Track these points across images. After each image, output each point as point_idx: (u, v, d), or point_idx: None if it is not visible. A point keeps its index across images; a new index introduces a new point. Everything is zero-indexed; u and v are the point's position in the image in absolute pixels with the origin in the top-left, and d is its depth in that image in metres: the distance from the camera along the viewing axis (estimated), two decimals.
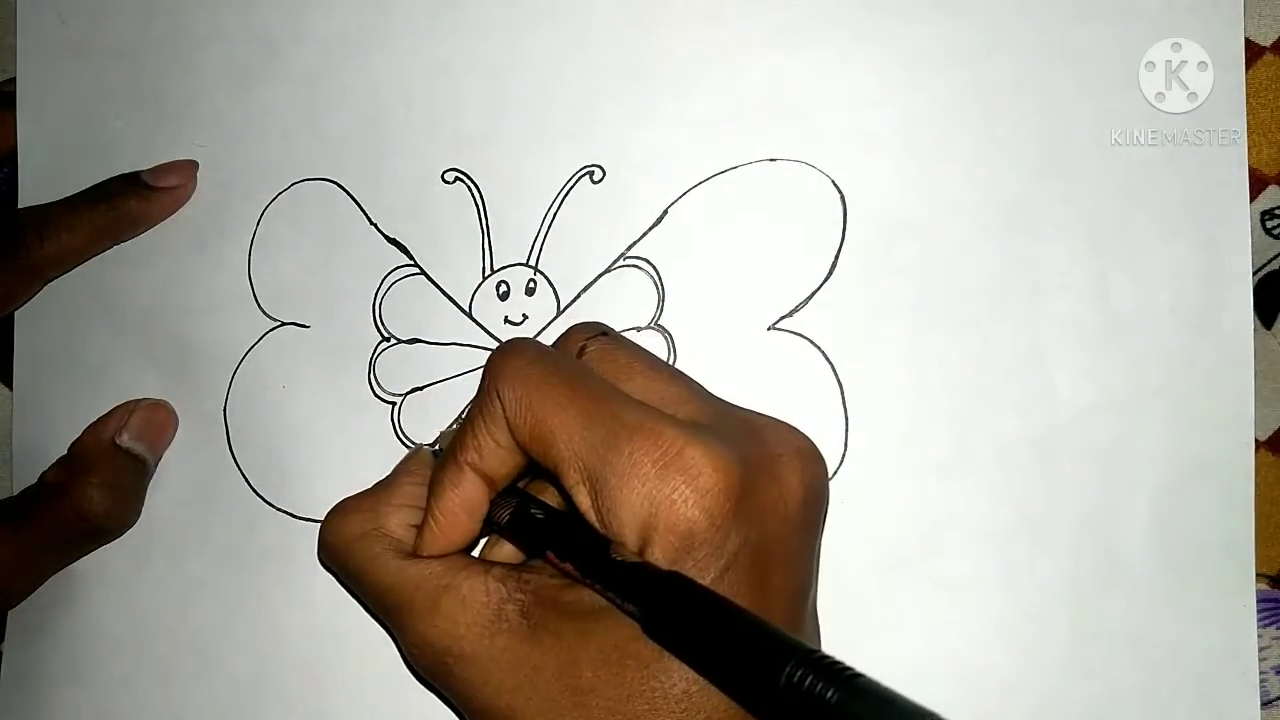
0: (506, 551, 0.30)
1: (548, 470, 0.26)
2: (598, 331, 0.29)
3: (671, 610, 0.23)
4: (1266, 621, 0.32)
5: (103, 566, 0.38)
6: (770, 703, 0.21)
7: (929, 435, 0.33)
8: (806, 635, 0.27)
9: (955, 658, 0.32)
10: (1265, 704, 0.32)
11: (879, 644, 0.33)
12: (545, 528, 0.27)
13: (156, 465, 0.38)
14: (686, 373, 0.29)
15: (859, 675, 0.20)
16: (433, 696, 0.33)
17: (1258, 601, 0.32)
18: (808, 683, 0.20)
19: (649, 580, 0.24)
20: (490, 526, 0.28)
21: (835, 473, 0.33)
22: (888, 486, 0.33)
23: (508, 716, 0.25)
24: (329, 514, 0.29)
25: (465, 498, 0.27)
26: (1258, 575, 0.32)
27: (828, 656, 0.21)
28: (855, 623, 0.33)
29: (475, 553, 0.31)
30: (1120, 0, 0.33)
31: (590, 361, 0.28)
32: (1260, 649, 0.32)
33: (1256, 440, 0.32)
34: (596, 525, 0.25)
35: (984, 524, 0.32)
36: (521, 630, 0.25)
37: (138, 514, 0.37)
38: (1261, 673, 0.32)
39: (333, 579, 0.34)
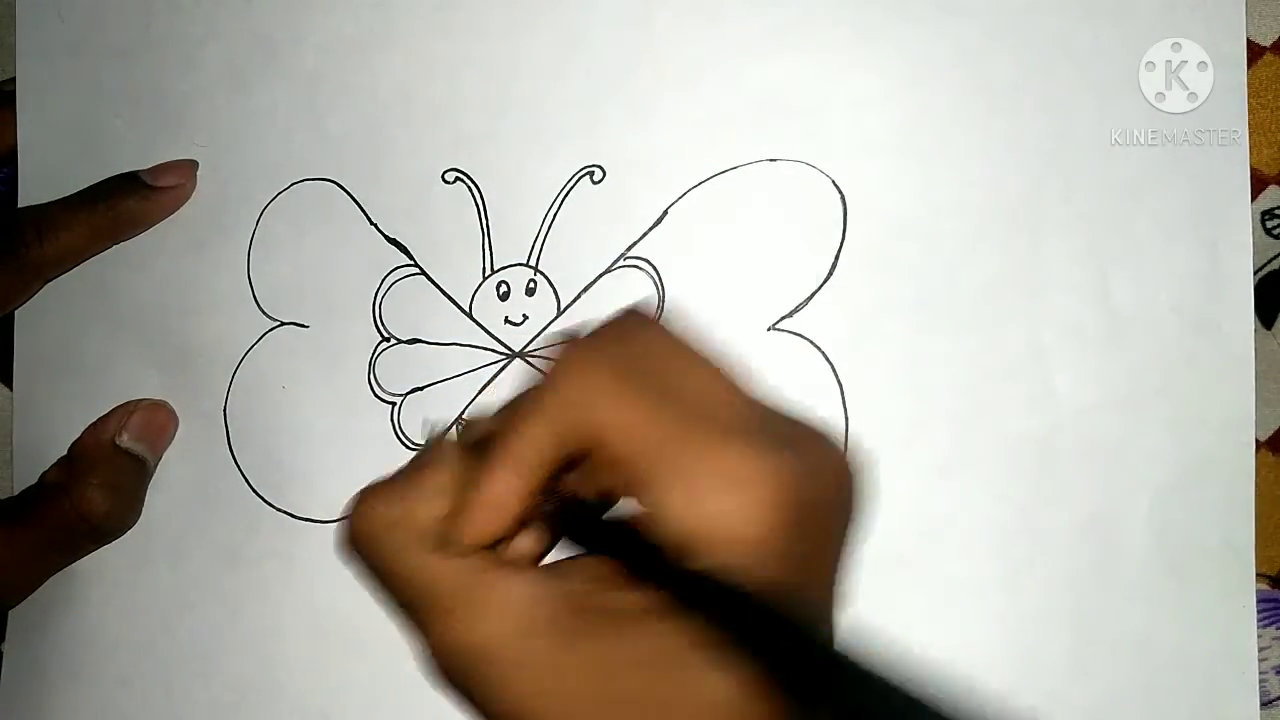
0: (525, 548, 0.29)
1: (597, 465, 0.26)
2: (652, 314, 0.28)
3: (738, 619, 0.23)
4: (1266, 621, 0.32)
5: (103, 566, 0.38)
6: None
7: (929, 435, 0.33)
8: (835, 626, 0.27)
9: (954, 657, 0.32)
10: (1265, 704, 0.32)
11: (878, 644, 0.33)
12: (600, 525, 0.26)
13: (156, 465, 0.38)
14: (728, 366, 0.28)
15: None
16: (432, 695, 0.33)
17: (1258, 601, 0.32)
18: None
19: (718, 589, 0.23)
20: (537, 519, 0.27)
21: None
22: (888, 486, 0.33)
23: None
24: (356, 500, 0.28)
25: (509, 490, 0.26)
26: (1258, 575, 0.32)
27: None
28: (854, 622, 0.33)
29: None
30: (1120, 0, 0.33)
31: (651, 347, 0.27)
32: (1260, 649, 0.32)
33: (1257, 440, 0.32)
34: (652, 525, 0.25)
35: (984, 524, 0.32)
36: (557, 632, 0.25)
37: (138, 514, 0.37)
38: (1261, 673, 0.32)
39: (329, 580, 0.34)
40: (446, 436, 0.29)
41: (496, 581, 0.25)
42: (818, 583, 0.25)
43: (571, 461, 0.26)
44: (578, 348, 0.26)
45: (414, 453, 0.36)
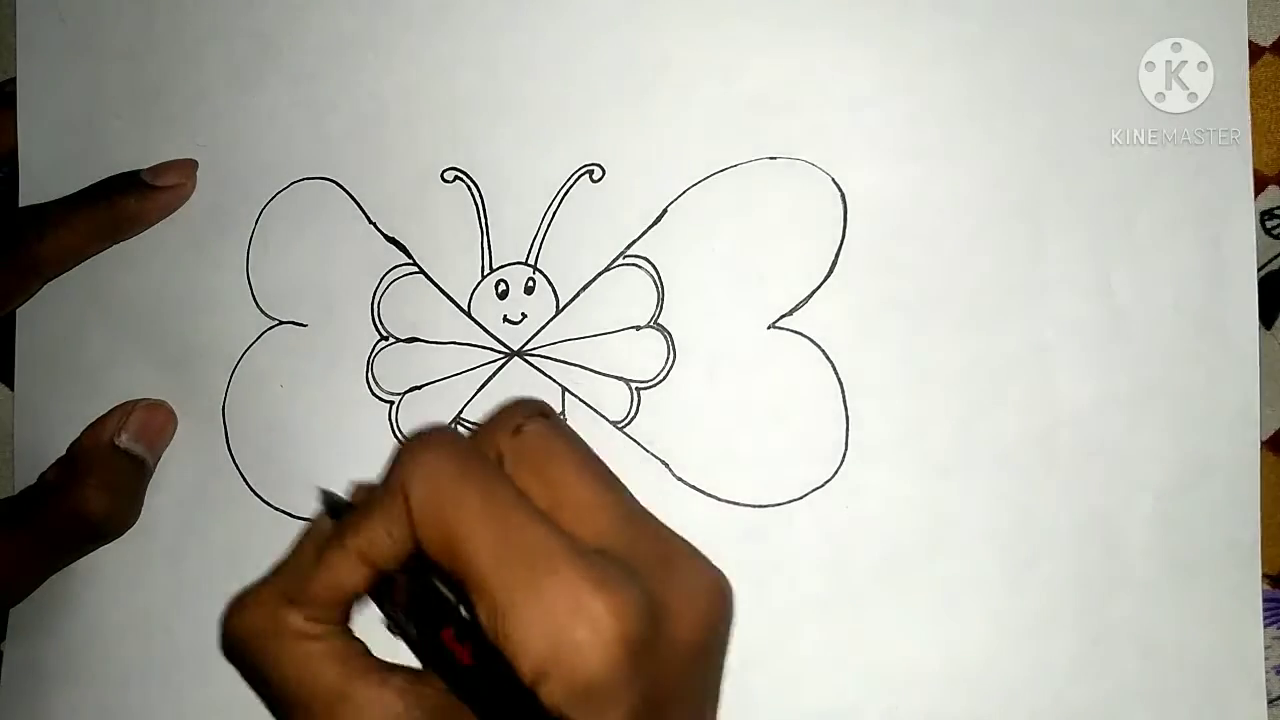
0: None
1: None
2: (536, 411, 0.28)
3: None
4: (1271, 621, 0.32)
5: (103, 566, 0.38)
6: None
7: (929, 435, 0.33)
8: None
9: (957, 658, 0.32)
10: (1270, 703, 0.32)
11: (879, 644, 0.32)
12: (437, 619, 0.26)
13: (155, 465, 0.38)
14: (610, 471, 0.27)
15: None
16: None
17: (1263, 601, 0.31)
18: None
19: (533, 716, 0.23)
20: (380, 601, 0.27)
21: (835, 473, 0.33)
22: (888, 486, 0.33)
23: None
24: (228, 608, 0.28)
25: (344, 581, 0.26)
26: (1263, 575, 0.32)
27: None
28: (855, 623, 0.33)
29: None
30: (1120, 0, 0.33)
31: (521, 442, 0.27)
32: (1265, 649, 0.31)
33: (1260, 440, 0.32)
34: (491, 639, 0.24)
35: (985, 524, 0.32)
36: None
37: (137, 515, 0.37)
38: (1266, 672, 0.32)
39: None
40: (320, 521, 0.28)
41: (359, 692, 0.25)
42: (674, 709, 0.25)
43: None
44: (434, 447, 0.26)
45: None
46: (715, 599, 0.26)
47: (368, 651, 0.27)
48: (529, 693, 0.23)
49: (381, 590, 0.26)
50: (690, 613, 0.25)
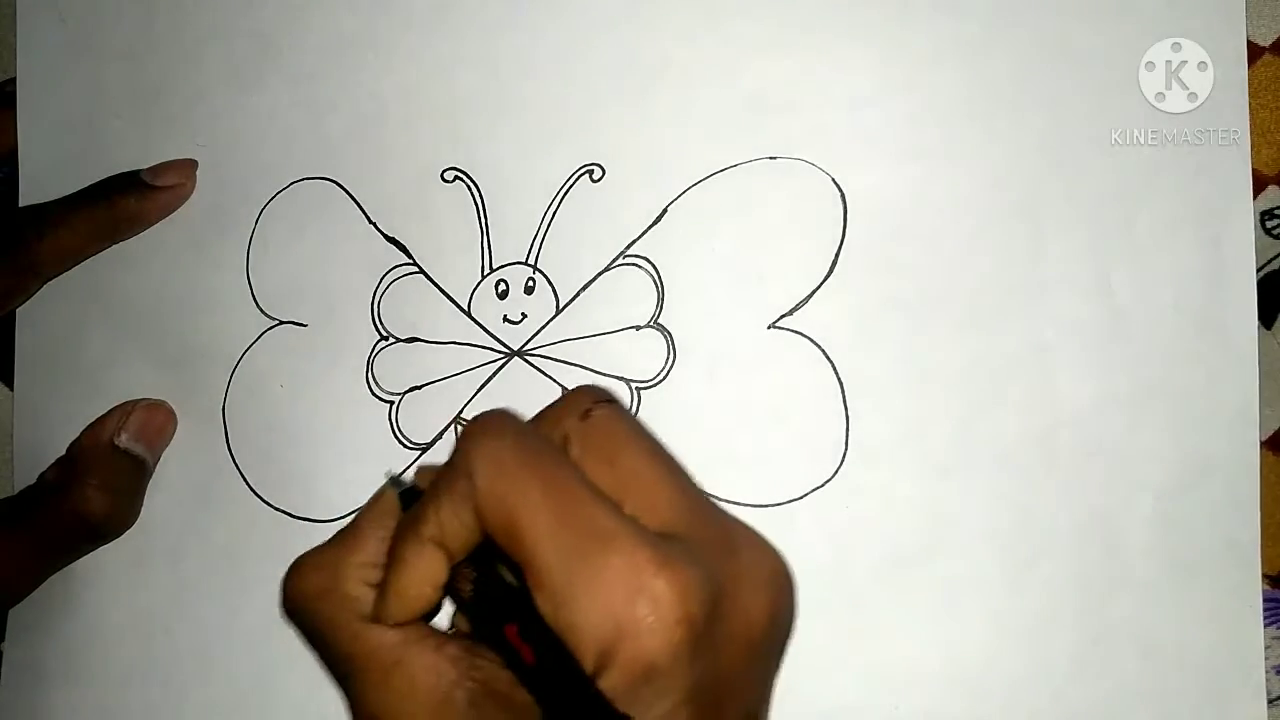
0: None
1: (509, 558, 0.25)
2: (604, 398, 0.27)
3: None
4: (1271, 621, 0.32)
5: (103, 566, 0.38)
6: None
7: (929, 435, 0.33)
8: None
9: (956, 658, 0.32)
10: (1270, 703, 0.32)
11: (879, 644, 0.32)
12: (501, 612, 0.26)
13: (155, 465, 0.38)
14: (676, 458, 0.27)
15: None
16: None
17: (1263, 601, 0.31)
18: None
19: (598, 713, 0.23)
20: (451, 596, 0.27)
21: (835, 473, 0.33)
22: (888, 486, 0.33)
23: None
24: (290, 569, 0.28)
25: (426, 572, 0.26)
26: (1262, 575, 0.32)
27: None
28: (855, 623, 0.33)
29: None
30: (1120, 0, 0.33)
31: (590, 428, 0.27)
32: (1265, 648, 0.31)
33: (1260, 440, 0.32)
34: (552, 623, 0.24)
35: (985, 524, 0.32)
36: (468, 718, 0.24)
37: (137, 514, 0.37)
38: (1266, 672, 0.32)
39: None
40: (386, 493, 0.28)
41: (415, 659, 0.25)
42: (733, 707, 0.25)
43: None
44: (498, 431, 0.26)
45: (413, 452, 0.36)
46: (779, 587, 0.26)
47: (425, 618, 0.27)
48: (589, 684, 0.23)
49: (450, 583, 0.26)
50: (753, 600, 0.25)
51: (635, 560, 0.23)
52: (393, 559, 0.26)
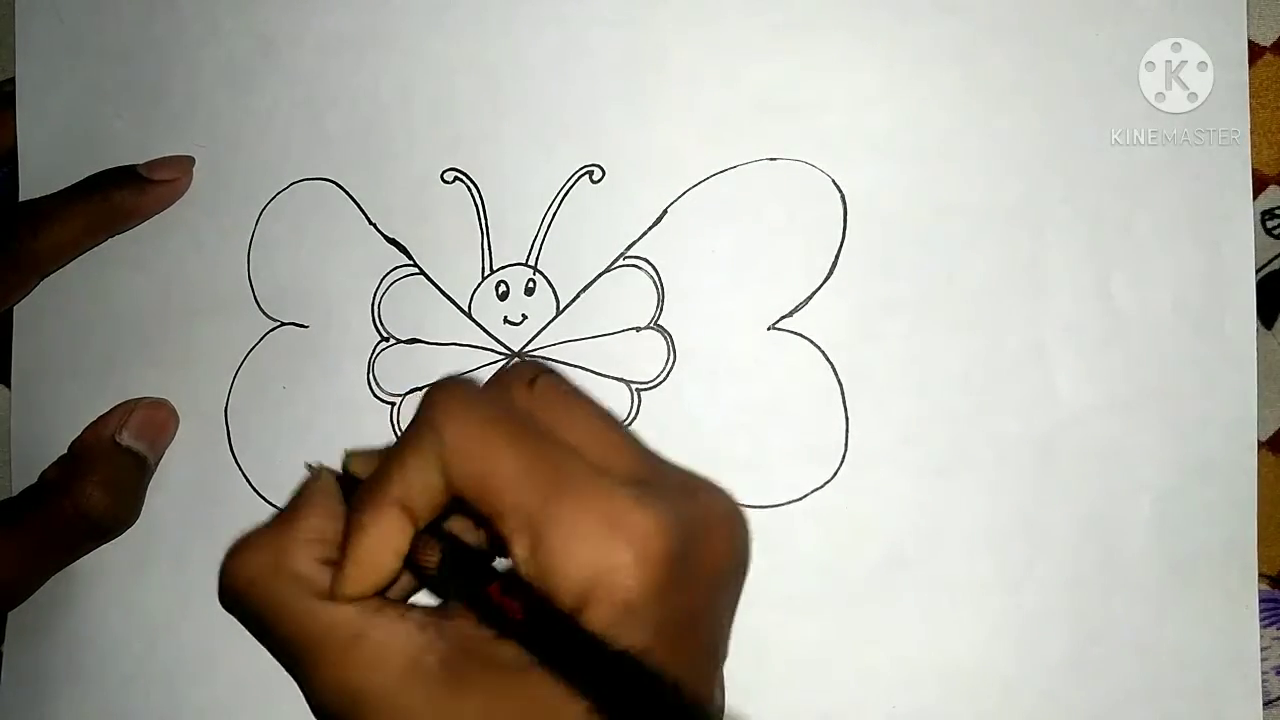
0: (409, 585, 0.28)
1: (479, 513, 0.25)
2: (543, 370, 0.28)
3: (620, 689, 0.23)
4: (1268, 622, 0.32)
5: (103, 566, 0.38)
6: None
7: (929, 435, 0.33)
8: (718, 693, 0.27)
9: (955, 658, 0.32)
10: (1266, 704, 0.32)
11: (878, 644, 0.33)
12: (478, 574, 0.26)
13: (157, 464, 0.38)
14: (623, 421, 0.28)
15: None
16: None
17: (1259, 602, 0.32)
18: None
19: (597, 654, 0.23)
20: (412, 569, 0.26)
21: (835, 473, 0.33)
22: (888, 486, 0.33)
23: None
24: (228, 552, 0.27)
25: (389, 538, 0.25)
26: (1259, 575, 0.32)
27: None
28: (855, 623, 0.33)
29: None
30: (1120, 0, 0.33)
31: (535, 399, 0.27)
32: (1261, 649, 0.32)
33: (1258, 440, 0.32)
34: (531, 575, 0.24)
35: (984, 524, 0.32)
36: (441, 680, 0.24)
37: (138, 513, 0.37)
38: (1263, 673, 0.32)
39: None
40: (323, 474, 0.28)
41: (380, 627, 0.25)
42: (698, 639, 0.25)
43: (457, 506, 0.26)
44: (461, 392, 0.26)
45: None
46: (737, 523, 0.27)
47: (380, 592, 0.26)
48: (581, 628, 0.23)
49: (410, 558, 0.26)
50: (717, 535, 0.26)
51: (612, 501, 0.24)
52: (353, 526, 0.26)
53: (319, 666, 0.25)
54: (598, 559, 0.23)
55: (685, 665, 0.24)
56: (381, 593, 0.26)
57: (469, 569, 0.26)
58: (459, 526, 0.28)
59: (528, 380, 0.27)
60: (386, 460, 0.26)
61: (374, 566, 0.25)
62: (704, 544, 0.25)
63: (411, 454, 0.25)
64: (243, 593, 0.27)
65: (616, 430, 0.27)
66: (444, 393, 0.26)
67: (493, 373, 0.36)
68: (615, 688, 0.23)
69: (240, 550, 0.27)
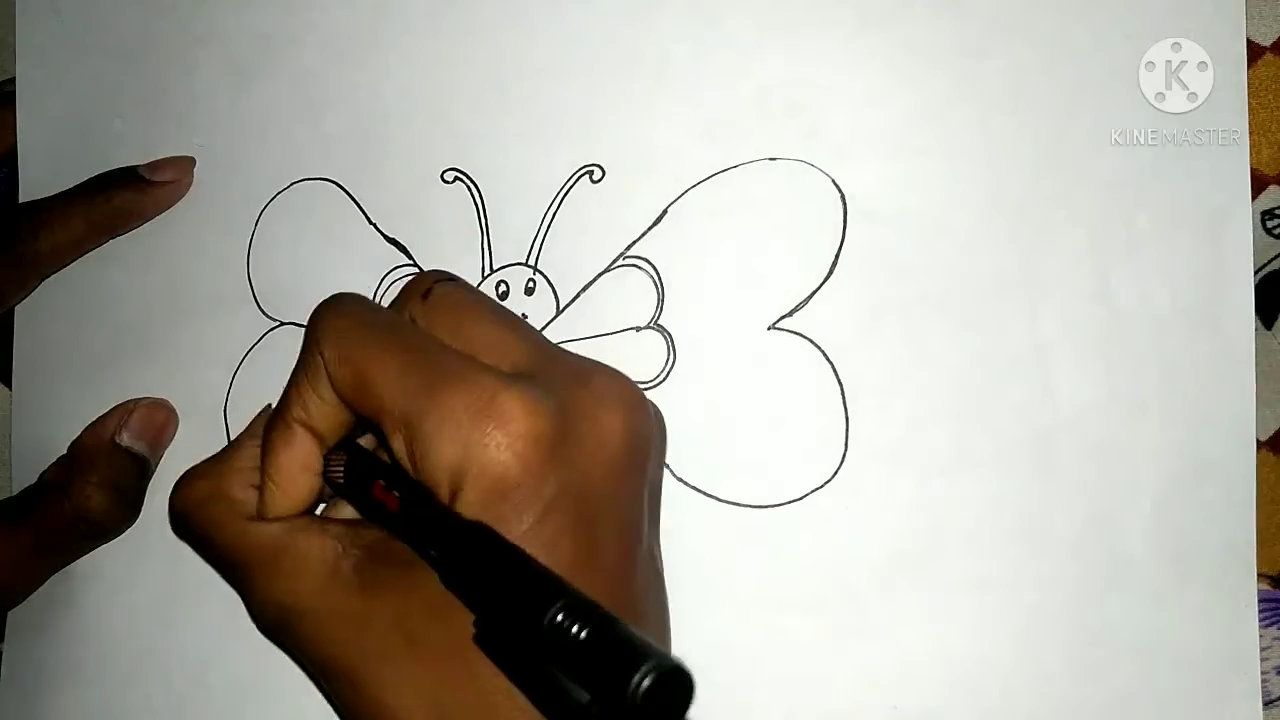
0: (350, 510, 0.30)
1: (366, 419, 0.27)
2: (442, 277, 0.29)
3: (464, 560, 0.23)
4: (1268, 622, 0.32)
5: (103, 566, 0.38)
6: (537, 643, 0.21)
7: (929, 435, 0.33)
8: (640, 578, 0.27)
9: (955, 658, 0.32)
10: (1266, 704, 0.32)
11: (878, 644, 0.32)
12: (368, 476, 0.27)
13: (156, 465, 0.38)
14: (527, 320, 0.29)
15: (616, 620, 0.21)
16: None
17: (1259, 602, 0.32)
18: (567, 623, 0.21)
19: (449, 530, 0.24)
20: (327, 482, 0.28)
21: (835, 473, 0.33)
22: (888, 486, 0.33)
23: (345, 668, 0.25)
24: (176, 483, 0.30)
25: (297, 455, 0.27)
26: (1259, 575, 0.32)
27: (591, 602, 0.21)
28: (855, 623, 0.33)
29: (319, 512, 0.31)
30: (1120, 0, 0.33)
31: (431, 307, 0.28)
32: (1261, 649, 0.32)
33: (1257, 440, 0.32)
34: (412, 472, 0.25)
35: (984, 524, 0.32)
36: (356, 584, 0.26)
37: (137, 513, 0.37)
38: (1263, 673, 0.32)
39: None
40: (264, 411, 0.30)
41: (300, 541, 0.27)
42: (598, 529, 0.25)
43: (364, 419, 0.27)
44: (341, 307, 0.27)
45: None
46: (631, 405, 0.27)
47: (308, 512, 0.28)
48: (445, 508, 0.24)
49: (325, 474, 0.28)
50: (607, 419, 0.26)
51: (480, 388, 0.24)
52: (265, 449, 0.28)
53: (251, 581, 0.27)
54: (466, 441, 0.24)
55: (591, 546, 0.25)
56: (313, 510, 0.28)
57: (361, 473, 0.27)
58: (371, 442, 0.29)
59: (422, 292, 0.28)
60: (288, 382, 0.28)
61: (289, 485, 0.28)
62: (591, 423, 0.25)
63: (301, 373, 0.27)
64: (186, 516, 0.29)
65: (512, 329, 0.27)
66: (325, 308, 0.27)
67: None
68: (469, 565, 0.23)
69: (186, 479, 0.30)
